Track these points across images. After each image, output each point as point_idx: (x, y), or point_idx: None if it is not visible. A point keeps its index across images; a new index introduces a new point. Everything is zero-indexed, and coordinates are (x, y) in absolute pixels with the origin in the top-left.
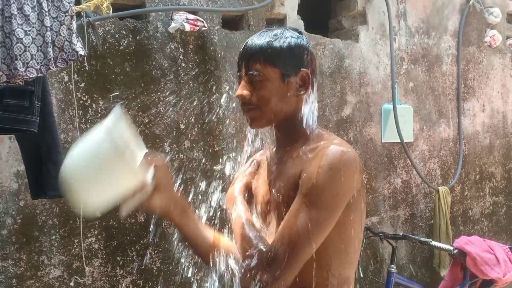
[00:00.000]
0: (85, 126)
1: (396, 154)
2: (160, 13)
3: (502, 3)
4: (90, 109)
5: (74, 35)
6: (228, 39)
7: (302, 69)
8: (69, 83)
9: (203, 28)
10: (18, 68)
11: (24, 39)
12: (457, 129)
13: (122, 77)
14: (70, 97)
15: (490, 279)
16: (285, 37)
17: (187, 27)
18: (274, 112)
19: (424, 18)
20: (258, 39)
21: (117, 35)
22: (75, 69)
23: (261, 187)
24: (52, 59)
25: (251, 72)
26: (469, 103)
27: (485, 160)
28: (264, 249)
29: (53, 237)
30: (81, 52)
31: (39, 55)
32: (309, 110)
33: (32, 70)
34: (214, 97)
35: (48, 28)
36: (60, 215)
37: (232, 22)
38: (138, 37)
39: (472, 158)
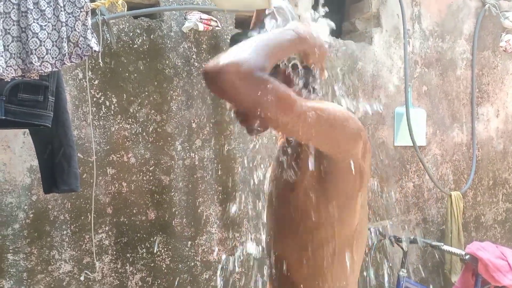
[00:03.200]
0: (98, 123)
1: (408, 158)
2: (174, 12)
3: None
4: (103, 106)
5: (89, 31)
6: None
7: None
8: (83, 80)
9: (217, 28)
10: (34, 63)
11: (39, 33)
12: (471, 134)
13: (135, 75)
14: (84, 94)
15: (502, 286)
16: None
17: (201, 27)
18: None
19: (439, 22)
20: None
21: (131, 34)
22: (90, 67)
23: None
24: (67, 54)
25: None
26: (483, 108)
27: (499, 165)
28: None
29: (64, 232)
30: (96, 48)
31: (54, 50)
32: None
33: (47, 64)
34: None
35: (64, 24)
36: (72, 210)
37: (245, 23)
38: (152, 36)
39: (485, 164)
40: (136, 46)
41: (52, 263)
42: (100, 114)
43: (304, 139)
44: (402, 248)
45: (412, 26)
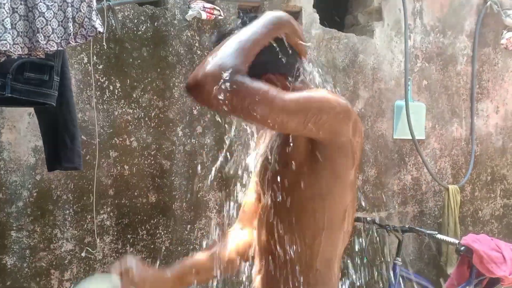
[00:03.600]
0: (102, 107)
1: (407, 151)
2: (178, 0)
3: None
4: (107, 90)
5: (93, 12)
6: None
7: (264, 75)
8: (88, 64)
9: (219, 17)
10: (40, 41)
11: (46, 13)
12: (470, 129)
13: (139, 61)
14: (88, 78)
15: (497, 278)
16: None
17: (204, 15)
18: None
19: (441, 17)
20: None
21: (135, 20)
22: (94, 52)
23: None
24: (72, 34)
25: None
26: (483, 104)
27: (497, 161)
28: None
29: (67, 211)
30: (100, 29)
31: (60, 29)
32: None
33: (53, 43)
34: None
35: (69, 4)
36: (75, 190)
37: (248, 13)
38: (156, 23)
39: (484, 159)
40: (140, 32)
41: (54, 241)
42: (104, 98)
43: (294, 131)
44: (397, 237)
45: (413, 21)
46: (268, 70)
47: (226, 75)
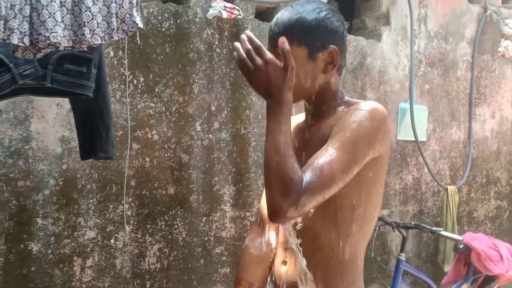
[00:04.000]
0: (125, 100)
1: (409, 151)
2: None
3: None
4: (131, 85)
5: (134, 9)
6: (260, 29)
7: (330, 45)
8: (114, 58)
9: (239, 17)
10: (86, 34)
11: (92, 8)
12: (468, 132)
13: (162, 57)
14: (114, 71)
15: (493, 276)
16: (312, 12)
17: (225, 15)
18: (301, 90)
19: (443, 24)
20: (285, 15)
21: (159, 17)
22: (120, 46)
23: None
24: (115, 29)
25: (277, 51)
26: (480, 109)
27: (492, 164)
28: (301, 178)
29: (91, 201)
30: (140, 25)
31: (103, 24)
32: (338, 84)
33: (97, 37)
34: (244, 83)
35: (113, 1)
36: (99, 181)
37: (264, 14)
38: (178, 21)
39: (480, 162)
40: (163, 29)
41: (78, 230)
42: (128, 92)
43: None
44: (402, 234)
45: (418, 27)
46: (332, 42)
47: (294, 210)
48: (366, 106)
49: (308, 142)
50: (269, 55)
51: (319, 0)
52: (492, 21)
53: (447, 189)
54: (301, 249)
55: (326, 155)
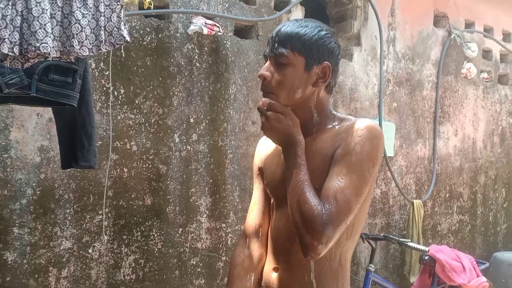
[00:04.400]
0: (106, 111)
1: None
2: (181, 15)
3: (479, 40)
4: (112, 96)
5: (122, 23)
6: (239, 45)
7: (325, 61)
8: (96, 70)
9: (219, 33)
10: (74, 46)
11: (81, 20)
12: (432, 149)
13: (143, 69)
14: (95, 82)
15: (456, 286)
16: (315, 28)
17: (205, 31)
18: (289, 99)
19: (411, 46)
20: (291, 26)
21: (141, 31)
22: (102, 58)
23: (272, 169)
24: (102, 41)
25: (276, 56)
26: (444, 127)
27: (455, 180)
28: (321, 211)
29: (68, 211)
30: (127, 38)
31: (92, 36)
32: (327, 101)
33: (85, 49)
34: (222, 97)
35: (102, 14)
36: (76, 191)
37: (242, 31)
38: (160, 35)
39: (443, 177)
40: (145, 43)
41: (54, 239)
42: (108, 103)
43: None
44: (371, 245)
45: (387, 48)
46: (327, 59)
47: (323, 245)
48: (363, 125)
49: (306, 156)
50: (268, 112)
51: (322, 23)
52: (456, 44)
53: (413, 203)
54: (292, 258)
55: (338, 184)
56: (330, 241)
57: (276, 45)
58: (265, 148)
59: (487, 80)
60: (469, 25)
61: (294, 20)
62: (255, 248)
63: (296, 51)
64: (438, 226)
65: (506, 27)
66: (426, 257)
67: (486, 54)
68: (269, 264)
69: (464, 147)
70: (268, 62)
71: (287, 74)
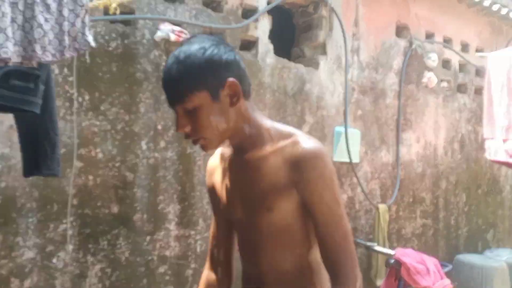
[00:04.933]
0: (70, 118)
1: (344, 172)
2: (147, 21)
3: (439, 50)
4: (76, 102)
5: (86, 28)
6: None
7: (227, 79)
8: (59, 75)
9: None
10: (37, 51)
11: (44, 25)
12: (396, 155)
13: (108, 75)
14: (58, 88)
15: None
16: (197, 54)
17: (173, 37)
18: (219, 133)
19: (374, 56)
20: (173, 69)
21: (107, 37)
22: (66, 64)
23: (222, 191)
24: (66, 46)
25: (179, 105)
26: (407, 134)
27: (418, 185)
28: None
29: (30, 220)
30: (92, 43)
31: (55, 41)
32: (250, 108)
33: (48, 54)
34: None
35: (66, 19)
36: (39, 199)
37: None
38: (126, 41)
39: (407, 183)
40: (110, 49)
41: (16, 250)
42: (72, 109)
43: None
44: None
45: (352, 57)
46: (228, 76)
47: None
48: (311, 151)
49: (248, 175)
50: None
51: (201, 36)
52: (417, 54)
53: (378, 208)
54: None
55: (336, 235)
56: (358, 277)
57: (172, 95)
58: (213, 167)
59: (447, 89)
60: (429, 36)
61: (173, 55)
62: (218, 271)
63: (193, 90)
64: (403, 230)
65: (465, 38)
66: (392, 261)
67: (445, 64)
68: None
69: (426, 154)
70: (178, 114)
71: (200, 116)
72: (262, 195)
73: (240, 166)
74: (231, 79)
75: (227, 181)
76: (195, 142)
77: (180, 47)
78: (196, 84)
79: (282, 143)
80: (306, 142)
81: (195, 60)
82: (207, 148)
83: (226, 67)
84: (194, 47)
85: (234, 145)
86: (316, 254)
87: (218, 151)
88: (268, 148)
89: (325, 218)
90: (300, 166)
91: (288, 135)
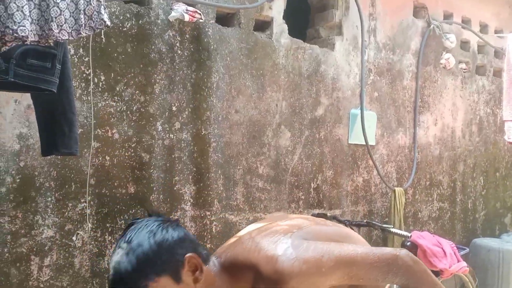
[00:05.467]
0: (86, 98)
1: (359, 155)
2: (161, 1)
3: (457, 31)
4: (92, 83)
5: (102, 7)
6: (220, 33)
7: (185, 255)
8: (75, 56)
9: (200, 20)
10: (53, 29)
11: (60, 3)
12: (413, 138)
13: (123, 56)
14: (74, 69)
15: (437, 270)
16: (146, 241)
17: (187, 18)
18: None
19: (391, 36)
20: (122, 263)
21: (121, 17)
22: (81, 44)
23: None
24: (82, 25)
25: None
26: (424, 116)
27: (435, 168)
28: None
29: (49, 199)
30: (108, 22)
31: (71, 20)
32: (215, 272)
33: (64, 33)
34: (205, 85)
35: None
36: (57, 178)
37: (224, 19)
38: (140, 21)
39: (423, 166)
40: (125, 29)
41: (36, 228)
42: (88, 90)
43: None
44: (354, 231)
45: (368, 38)
46: (185, 253)
47: None
48: (268, 273)
49: None
50: None
51: (143, 220)
52: (435, 35)
53: (394, 191)
54: None
55: None
56: None
57: None
58: None
59: (465, 70)
60: (447, 16)
61: (120, 248)
62: None
63: (154, 278)
64: (419, 213)
65: (483, 18)
66: (408, 243)
67: (464, 45)
68: None
69: (444, 136)
70: None
71: None
72: None
73: None
74: (188, 254)
75: None
76: None
77: (121, 238)
78: (156, 271)
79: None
80: (264, 265)
81: (146, 246)
82: None
83: (180, 244)
84: (141, 234)
85: None
86: None
87: None
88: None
89: None
90: None
91: (248, 269)
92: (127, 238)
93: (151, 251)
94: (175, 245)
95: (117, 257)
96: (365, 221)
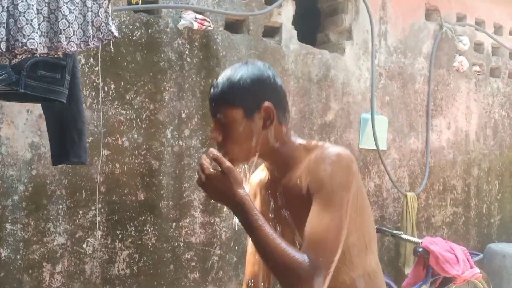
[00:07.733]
0: (96, 107)
1: (371, 160)
2: (171, 10)
3: (470, 33)
4: (102, 91)
5: (110, 18)
6: (229, 40)
7: (264, 102)
8: (85, 65)
9: (209, 28)
10: (62, 41)
11: (68, 16)
12: (425, 142)
13: (133, 65)
14: (85, 78)
15: (450, 277)
16: (244, 73)
17: (196, 26)
18: (247, 150)
19: (402, 39)
20: (222, 82)
21: (131, 26)
22: (91, 54)
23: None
24: (90, 36)
25: (217, 116)
26: (437, 120)
27: (448, 173)
28: (304, 263)
29: (60, 206)
30: (116, 34)
31: (79, 32)
32: (285, 134)
33: (73, 44)
34: None
35: (89, 9)
36: (68, 186)
37: (233, 26)
38: (149, 30)
39: (437, 170)
40: (135, 38)
41: (47, 235)
42: (99, 98)
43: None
44: None
45: (379, 42)
46: (266, 99)
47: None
48: (330, 154)
49: (284, 197)
50: (208, 171)
51: (253, 61)
52: (447, 37)
53: (406, 196)
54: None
55: (317, 225)
56: (321, 274)
57: (213, 105)
58: (253, 187)
59: (479, 73)
60: (460, 18)
61: (228, 70)
62: None
63: (232, 105)
64: (432, 218)
65: (498, 20)
66: (420, 249)
67: (477, 47)
68: None
69: (457, 140)
70: (214, 124)
71: (231, 129)
72: (297, 215)
73: (282, 187)
74: (267, 103)
75: (267, 210)
76: (223, 153)
77: (240, 65)
78: (234, 101)
79: (308, 157)
80: (333, 148)
81: (240, 78)
82: (232, 161)
83: (266, 91)
84: (244, 67)
85: (269, 166)
86: (372, 262)
87: (258, 175)
88: (300, 167)
89: (315, 216)
90: (317, 166)
91: (315, 147)
92: (238, 67)
93: (243, 82)
94: (264, 89)
95: (221, 76)
96: (376, 227)
